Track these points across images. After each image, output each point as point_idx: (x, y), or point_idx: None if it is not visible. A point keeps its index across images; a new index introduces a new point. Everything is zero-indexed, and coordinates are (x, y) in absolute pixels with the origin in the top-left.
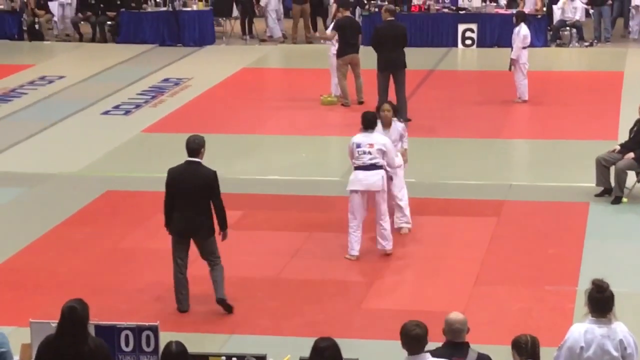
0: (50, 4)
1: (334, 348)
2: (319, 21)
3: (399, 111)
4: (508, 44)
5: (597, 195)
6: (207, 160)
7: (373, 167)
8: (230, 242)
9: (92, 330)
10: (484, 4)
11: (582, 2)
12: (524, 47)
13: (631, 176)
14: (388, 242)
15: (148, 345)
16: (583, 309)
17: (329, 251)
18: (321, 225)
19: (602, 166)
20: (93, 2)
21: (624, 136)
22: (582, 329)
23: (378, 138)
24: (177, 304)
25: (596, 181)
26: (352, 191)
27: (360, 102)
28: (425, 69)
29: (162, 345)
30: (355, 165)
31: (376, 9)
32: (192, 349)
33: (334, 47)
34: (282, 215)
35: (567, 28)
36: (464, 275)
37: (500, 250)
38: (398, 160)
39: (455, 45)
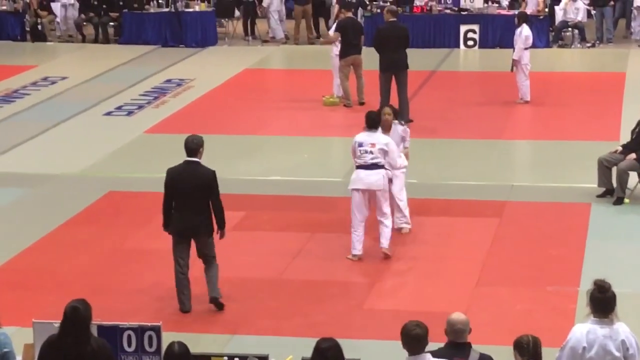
0: (52, 4)
1: (336, 348)
2: (321, 22)
3: (401, 112)
4: (510, 44)
5: (598, 196)
6: (210, 161)
7: (374, 166)
8: (232, 242)
9: (94, 331)
10: (486, 5)
11: (584, 3)
12: (526, 48)
13: (633, 177)
14: (388, 241)
15: (150, 345)
16: (585, 309)
17: (330, 252)
18: (323, 225)
19: (604, 167)
20: (95, 3)
21: (625, 137)
22: (584, 330)
23: (381, 138)
24: (179, 305)
25: (598, 182)
26: (353, 190)
27: (361, 103)
28: (427, 69)
29: (164, 346)
30: (357, 164)
31: (378, 10)
32: (194, 349)
33: (336, 48)
34: (284, 216)
35: (569, 29)
36: (466, 275)
37: (502, 250)
38: (401, 160)
39: (458, 46)
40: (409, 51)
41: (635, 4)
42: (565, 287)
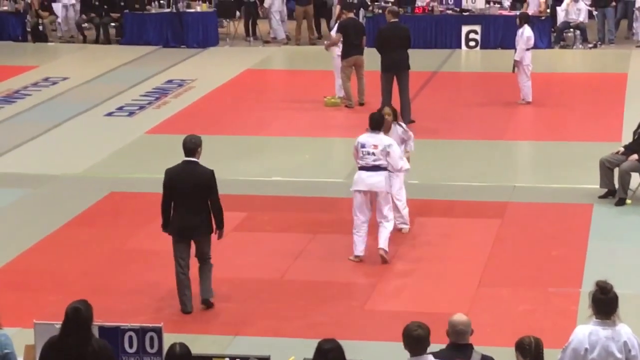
0: (54, 5)
1: (338, 350)
2: (323, 23)
3: (403, 113)
4: (512, 45)
5: (600, 197)
6: (211, 161)
7: (376, 168)
8: (233, 243)
9: (95, 332)
10: (487, 5)
11: (586, 4)
12: (527, 49)
13: (635, 178)
14: (387, 244)
15: (152, 346)
16: (587, 310)
17: (332, 253)
18: (324, 226)
19: (606, 168)
20: (97, 3)
21: (627, 138)
22: (587, 331)
23: (384, 139)
24: (180, 305)
25: (600, 183)
26: (355, 191)
27: (361, 104)
28: (428, 70)
29: (165, 347)
30: (359, 165)
31: (380, 11)
32: (195, 350)
33: (338, 49)
34: (285, 217)
35: (571, 30)
36: (468, 276)
37: (504, 251)
38: (403, 163)
39: (459, 46)
40: (410, 52)
41: (637, 5)
42: (567, 288)
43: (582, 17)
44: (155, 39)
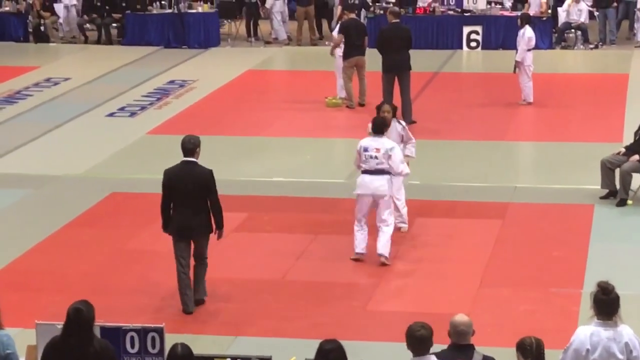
0: (55, 6)
1: (339, 350)
2: (324, 23)
3: (404, 113)
4: (513, 46)
5: (602, 198)
6: (212, 162)
7: (379, 171)
8: (234, 244)
9: (97, 332)
10: (488, 6)
11: (587, 5)
12: (528, 50)
13: (636, 178)
14: (385, 249)
15: (153, 347)
16: (588, 311)
17: (334, 253)
18: (326, 227)
19: (607, 168)
20: (98, 4)
21: (629, 138)
22: (588, 332)
23: (386, 143)
24: (182, 305)
25: (601, 183)
26: (359, 195)
27: (362, 105)
28: (430, 71)
29: (167, 347)
30: (362, 169)
31: (381, 11)
32: (197, 350)
33: (339, 49)
34: (287, 217)
35: (572, 30)
36: (469, 277)
37: (505, 252)
38: (404, 167)
39: (460, 47)
40: (411, 52)
41: (638, 6)
42: (569, 288)
43: (584, 18)
44: (157, 39)
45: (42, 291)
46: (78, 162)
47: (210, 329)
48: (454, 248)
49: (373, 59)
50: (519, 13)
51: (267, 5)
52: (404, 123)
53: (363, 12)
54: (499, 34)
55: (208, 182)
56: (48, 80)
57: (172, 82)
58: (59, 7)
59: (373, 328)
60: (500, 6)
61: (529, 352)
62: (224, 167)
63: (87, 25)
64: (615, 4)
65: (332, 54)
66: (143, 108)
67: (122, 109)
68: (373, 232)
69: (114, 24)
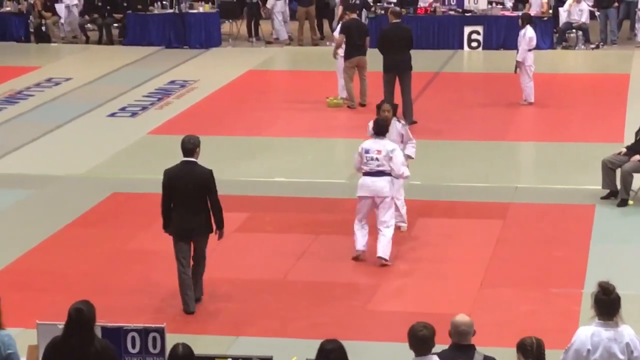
0: (57, 6)
1: (340, 350)
2: (325, 23)
3: (405, 113)
4: (514, 46)
5: (603, 198)
6: (213, 162)
7: (380, 173)
8: (235, 244)
9: (98, 332)
10: (489, 6)
11: (588, 5)
12: (529, 50)
13: (637, 179)
14: (386, 251)
15: (154, 347)
16: (589, 311)
17: (335, 253)
18: (327, 227)
19: (608, 169)
20: (99, 4)
21: (630, 139)
22: (589, 332)
23: (387, 145)
24: (183, 306)
25: (602, 184)
26: (360, 197)
27: (363, 105)
28: (431, 71)
29: (168, 347)
30: (363, 170)
31: (382, 12)
32: (198, 350)
33: (341, 49)
34: (287, 217)
35: (573, 30)
36: (470, 277)
37: (506, 252)
38: (404, 169)
39: (461, 47)
40: (412, 52)
41: (639, 6)
42: (570, 289)
43: (585, 18)
44: (158, 39)
45: (43, 291)
46: (79, 162)
47: (211, 329)
48: (454, 248)
49: (374, 59)
50: (520, 13)
51: (268, 5)
52: (403, 122)
53: (364, 12)
54: (500, 34)
55: (208, 182)
56: (49, 80)
57: (173, 82)
58: (60, 7)
59: (373, 328)
60: (501, 6)
61: (530, 352)
62: (225, 167)
63: (89, 25)
64: (616, 4)
65: (335, 56)
66: (144, 108)
67: (123, 109)
68: (373, 232)
69: (115, 24)
